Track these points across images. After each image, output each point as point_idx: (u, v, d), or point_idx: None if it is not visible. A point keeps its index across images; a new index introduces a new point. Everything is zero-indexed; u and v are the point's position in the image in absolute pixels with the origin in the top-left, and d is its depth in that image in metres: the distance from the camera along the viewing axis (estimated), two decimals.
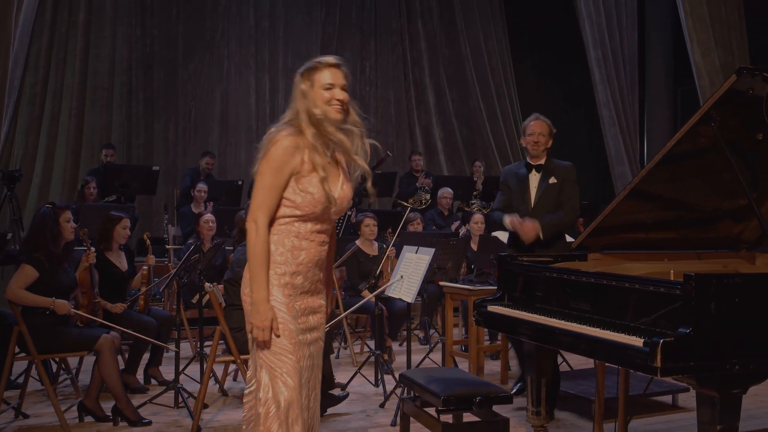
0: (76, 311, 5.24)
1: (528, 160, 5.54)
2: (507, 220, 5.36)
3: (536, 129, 5.44)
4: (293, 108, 3.09)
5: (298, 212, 3.01)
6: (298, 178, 2.99)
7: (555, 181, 5.43)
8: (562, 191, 5.44)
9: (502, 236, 6.59)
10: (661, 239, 4.53)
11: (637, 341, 3.33)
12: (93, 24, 11.81)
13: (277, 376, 2.96)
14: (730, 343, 3.31)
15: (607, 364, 4.46)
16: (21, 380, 5.64)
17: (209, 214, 7.51)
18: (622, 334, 3.44)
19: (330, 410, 5.37)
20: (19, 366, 5.80)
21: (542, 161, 5.49)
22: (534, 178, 5.48)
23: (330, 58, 3.11)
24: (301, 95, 3.07)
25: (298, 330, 3.04)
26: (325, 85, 3.04)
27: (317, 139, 3.04)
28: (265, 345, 2.96)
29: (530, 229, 5.25)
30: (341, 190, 3.10)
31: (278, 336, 2.97)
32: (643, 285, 3.51)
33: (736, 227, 4.56)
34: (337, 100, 3.04)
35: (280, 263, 3.02)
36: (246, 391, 3.08)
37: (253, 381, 3.05)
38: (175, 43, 12.39)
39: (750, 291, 3.36)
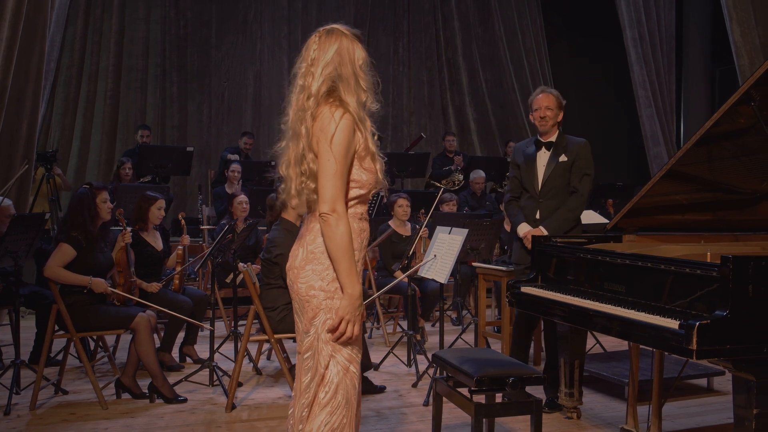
0: (113, 290, 5.31)
1: (538, 136, 5.14)
2: (522, 232, 5.08)
3: (542, 102, 5.02)
4: (330, 71, 2.77)
5: (362, 191, 2.81)
6: (359, 157, 2.78)
7: (566, 159, 5.01)
8: (574, 171, 5.03)
9: None
10: (698, 221, 4.49)
11: (673, 324, 3.31)
12: (127, 6, 11.91)
13: (349, 370, 2.79)
14: None
15: (641, 347, 4.44)
16: (60, 357, 5.74)
17: (243, 196, 7.55)
18: (657, 317, 3.43)
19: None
20: (59, 343, 5.90)
21: (553, 137, 5.07)
22: (543, 156, 5.08)
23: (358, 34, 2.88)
24: (348, 55, 2.79)
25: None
26: (369, 63, 2.85)
27: (361, 108, 2.79)
28: (350, 340, 2.75)
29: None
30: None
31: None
32: (679, 267, 3.49)
33: None
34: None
35: (355, 249, 2.78)
36: (305, 356, 2.86)
37: (309, 354, 2.84)
38: (209, 24, 12.45)
39: None
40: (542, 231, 4.96)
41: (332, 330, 2.73)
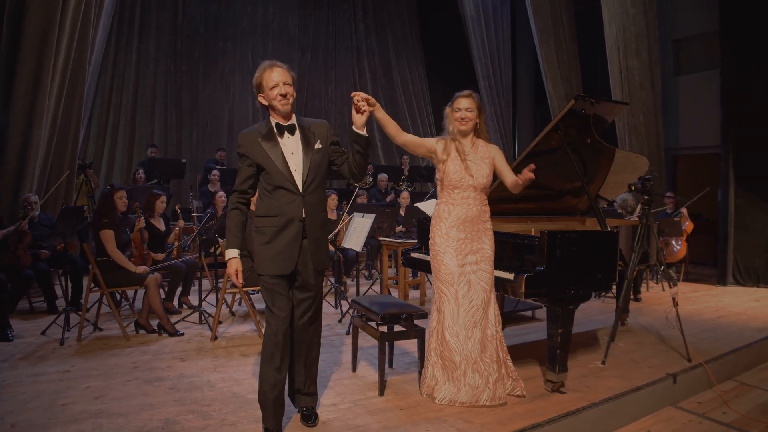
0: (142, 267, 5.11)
1: (275, 119, 3.00)
2: None
3: (281, 78, 2.99)
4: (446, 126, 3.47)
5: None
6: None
7: (320, 145, 3.03)
8: (336, 154, 3.12)
9: (422, 207, 6.60)
10: (526, 208, 4.59)
11: (510, 275, 3.38)
12: (141, 63, 11.47)
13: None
14: (568, 276, 3.39)
15: None
16: (96, 305, 5.52)
17: (222, 192, 7.39)
18: (500, 271, 3.50)
19: None
20: (95, 296, 5.66)
21: (293, 120, 3.01)
22: (291, 142, 2.98)
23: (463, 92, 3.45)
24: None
25: (454, 264, 3.32)
26: (454, 109, 3.45)
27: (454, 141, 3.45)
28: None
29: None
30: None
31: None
32: (514, 239, 3.57)
33: (574, 200, 4.65)
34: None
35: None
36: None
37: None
38: (197, 75, 12.07)
39: (581, 242, 3.43)
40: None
41: None
